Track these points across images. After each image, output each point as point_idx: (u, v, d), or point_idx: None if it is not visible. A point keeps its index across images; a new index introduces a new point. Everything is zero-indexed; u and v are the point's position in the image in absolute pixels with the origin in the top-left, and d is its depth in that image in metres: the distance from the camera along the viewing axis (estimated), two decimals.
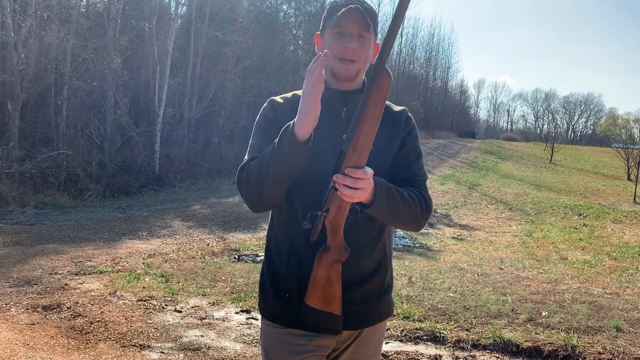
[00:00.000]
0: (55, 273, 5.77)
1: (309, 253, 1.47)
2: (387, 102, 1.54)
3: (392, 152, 1.58)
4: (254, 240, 8.37)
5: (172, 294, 5.09)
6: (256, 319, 4.48)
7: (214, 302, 4.89)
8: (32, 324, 4.14)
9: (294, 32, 27.57)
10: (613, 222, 11.48)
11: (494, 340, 3.99)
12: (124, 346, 3.80)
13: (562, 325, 4.33)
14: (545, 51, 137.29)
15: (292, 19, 27.89)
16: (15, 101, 12.76)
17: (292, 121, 1.38)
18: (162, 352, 3.74)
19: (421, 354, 3.83)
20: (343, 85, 1.55)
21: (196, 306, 4.79)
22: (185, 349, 3.81)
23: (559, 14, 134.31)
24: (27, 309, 4.51)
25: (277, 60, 23.28)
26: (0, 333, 3.88)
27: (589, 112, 73.62)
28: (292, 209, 1.51)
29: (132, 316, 4.41)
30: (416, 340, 4.08)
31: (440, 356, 3.82)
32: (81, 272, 5.85)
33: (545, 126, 69.73)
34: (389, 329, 4.17)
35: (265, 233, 1.70)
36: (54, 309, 4.53)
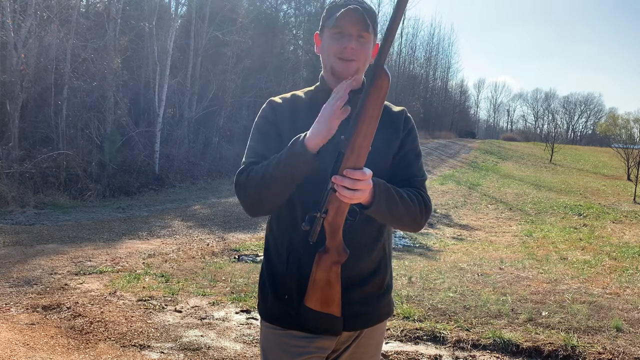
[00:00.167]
0: (55, 273, 5.77)
1: (308, 254, 1.47)
2: (386, 103, 1.54)
3: (392, 152, 1.57)
4: (254, 240, 8.37)
5: (172, 294, 5.09)
6: (256, 319, 4.48)
7: (214, 302, 4.89)
8: (32, 324, 4.14)
9: (294, 32, 27.59)
10: (613, 222, 11.48)
11: (494, 340, 3.99)
12: (124, 346, 3.80)
13: (562, 325, 4.33)
14: (545, 51, 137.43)
15: (292, 19, 27.91)
16: (15, 101, 12.76)
17: (304, 134, 1.38)
18: (162, 352, 3.74)
19: (421, 354, 3.83)
20: None
21: (196, 306, 4.79)
22: (185, 349, 3.81)
23: (559, 14, 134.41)
24: (27, 309, 4.51)
25: (277, 60, 23.28)
26: (0, 333, 3.89)
27: (589, 112, 73.71)
28: (292, 209, 1.51)
29: (132, 316, 4.41)
30: (416, 340, 4.08)
31: (440, 356, 3.82)
32: (81, 272, 5.85)
33: (545, 126, 69.80)
34: (389, 329, 4.17)
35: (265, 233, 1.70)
36: (54, 309, 4.53)
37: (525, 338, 4.03)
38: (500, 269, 6.64)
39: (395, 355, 3.79)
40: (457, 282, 5.76)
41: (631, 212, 12.83)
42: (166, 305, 4.78)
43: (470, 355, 3.84)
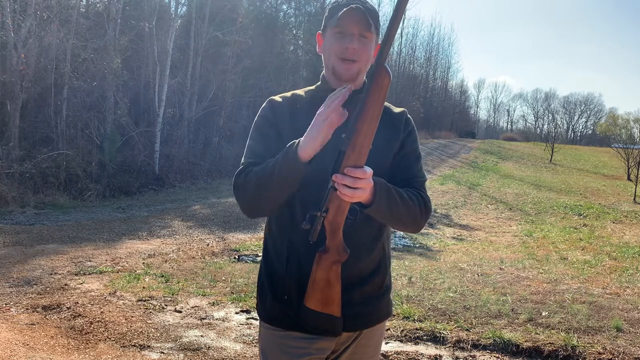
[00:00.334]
0: (55, 273, 5.77)
1: (308, 254, 1.46)
2: (387, 104, 1.53)
3: (392, 152, 1.57)
4: (254, 240, 8.37)
5: (172, 294, 5.09)
6: (256, 319, 4.48)
7: (214, 302, 4.89)
8: (32, 324, 4.14)
9: (294, 32, 27.58)
10: (613, 222, 11.48)
11: (494, 340, 3.99)
12: (124, 346, 3.80)
13: (562, 325, 4.33)
14: (545, 51, 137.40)
15: (292, 19, 27.90)
16: (15, 101, 12.76)
17: (298, 140, 1.38)
18: (162, 352, 3.74)
19: (421, 354, 3.83)
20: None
21: (196, 306, 4.79)
22: (185, 349, 3.81)
23: (559, 14, 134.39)
24: (27, 309, 4.51)
25: (277, 60, 23.28)
26: (0, 333, 3.88)
27: (589, 112, 73.69)
28: (292, 209, 1.50)
29: (132, 316, 4.41)
30: (416, 340, 4.07)
31: (440, 356, 3.82)
32: (81, 272, 5.85)
33: (545, 126, 69.78)
34: (388, 329, 4.17)
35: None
36: (53, 309, 4.53)
37: (525, 338, 4.03)
38: (500, 269, 6.64)
39: (395, 355, 3.79)
40: (457, 282, 5.76)
41: (631, 212, 12.83)
42: (166, 305, 4.78)
43: (470, 355, 3.84)
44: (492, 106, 78.13)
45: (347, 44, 1.47)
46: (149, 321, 4.32)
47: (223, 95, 19.29)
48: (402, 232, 9.11)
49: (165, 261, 6.69)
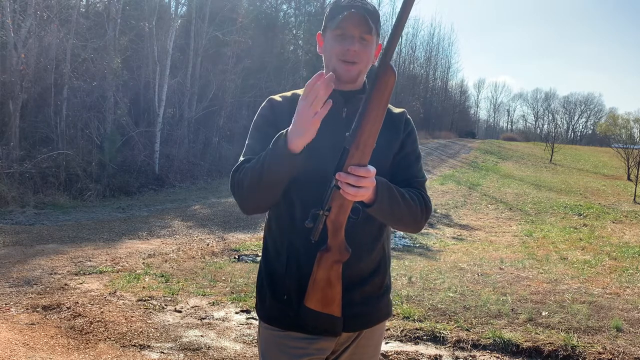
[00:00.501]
0: (55, 273, 5.77)
1: (308, 253, 1.46)
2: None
3: (392, 152, 1.57)
4: (254, 240, 8.37)
5: (172, 294, 5.09)
6: (256, 319, 4.47)
7: (214, 302, 4.89)
8: (32, 324, 4.14)
9: (294, 32, 27.59)
10: (613, 222, 11.48)
11: (494, 340, 3.99)
12: (124, 346, 3.80)
13: (562, 325, 4.33)
14: (545, 51, 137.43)
15: (292, 19, 27.91)
16: (15, 101, 12.76)
17: (286, 130, 1.36)
18: (162, 352, 3.74)
19: (421, 354, 3.83)
20: (344, 86, 1.54)
21: (196, 306, 4.79)
22: (185, 349, 3.81)
23: (559, 14, 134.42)
24: (27, 309, 4.51)
25: (277, 60, 23.29)
26: (0, 333, 3.88)
27: (589, 112, 73.70)
28: (292, 209, 1.50)
29: (132, 316, 4.41)
30: (416, 340, 4.07)
31: (440, 356, 3.82)
32: (81, 272, 5.85)
33: (545, 126, 69.78)
34: (388, 329, 4.17)
35: None
36: (53, 309, 4.53)
37: (525, 338, 4.03)
38: (500, 269, 6.64)
39: (395, 355, 3.79)
40: (457, 282, 5.76)
41: (631, 212, 12.83)
42: (166, 305, 4.78)
43: (470, 355, 3.84)
44: (492, 106, 78.21)
45: (348, 46, 1.47)
46: (149, 321, 4.32)
47: (223, 95, 19.29)
48: (402, 232, 9.11)
49: (165, 261, 6.69)
